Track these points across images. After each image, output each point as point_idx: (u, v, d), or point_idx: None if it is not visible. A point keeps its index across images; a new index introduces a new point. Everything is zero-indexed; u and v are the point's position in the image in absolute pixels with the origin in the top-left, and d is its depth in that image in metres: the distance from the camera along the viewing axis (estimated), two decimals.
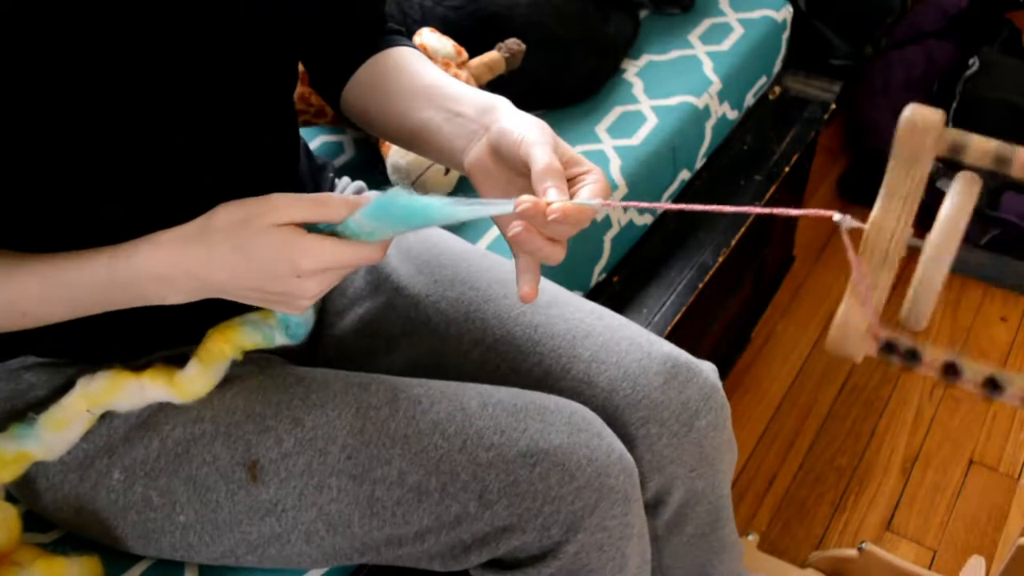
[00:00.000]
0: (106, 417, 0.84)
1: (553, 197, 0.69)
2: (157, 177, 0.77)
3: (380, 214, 0.70)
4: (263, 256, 0.69)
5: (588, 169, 0.74)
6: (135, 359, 0.86)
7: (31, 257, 0.74)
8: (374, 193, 0.73)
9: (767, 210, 0.60)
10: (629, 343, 0.93)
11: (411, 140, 0.87)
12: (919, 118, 0.54)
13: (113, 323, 0.81)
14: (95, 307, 0.75)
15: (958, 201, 0.54)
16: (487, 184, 0.78)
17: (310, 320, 0.82)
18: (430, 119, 0.83)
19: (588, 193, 0.71)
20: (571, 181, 0.73)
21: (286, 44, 0.87)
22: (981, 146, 0.54)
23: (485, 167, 0.78)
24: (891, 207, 0.55)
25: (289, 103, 0.93)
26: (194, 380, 0.82)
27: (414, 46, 0.94)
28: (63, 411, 0.81)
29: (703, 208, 0.68)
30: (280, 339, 0.82)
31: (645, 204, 0.66)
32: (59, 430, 0.82)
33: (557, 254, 0.72)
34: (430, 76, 0.87)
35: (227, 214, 0.70)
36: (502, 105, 0.79)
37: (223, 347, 0.82)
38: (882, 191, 0.56)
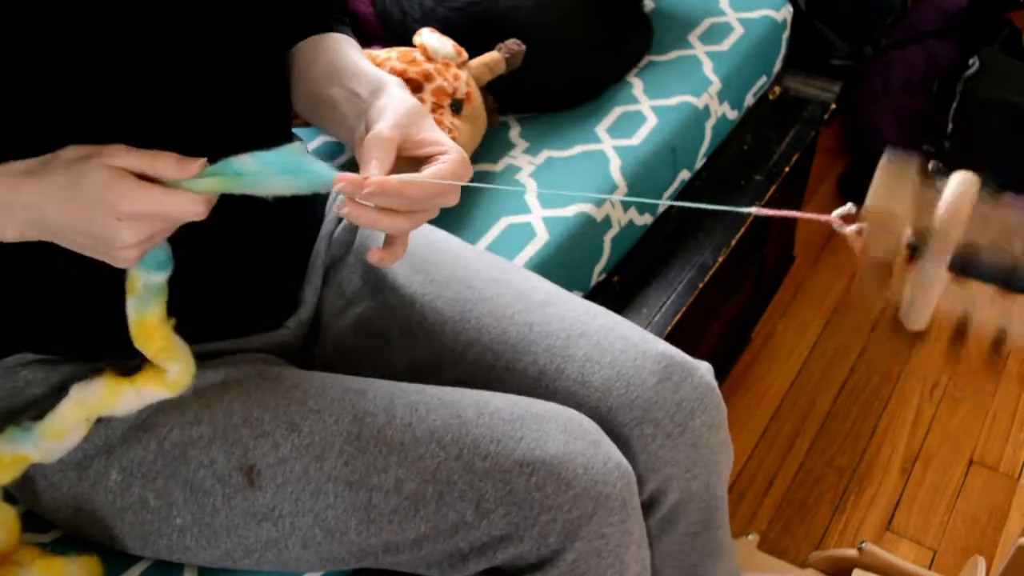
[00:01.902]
0: (104, 419, 0.84)
1: (372, 171, 0.72)
2: None
3: (222, 169, 0.71)
4: (88, 193, 0.69)
5: (445, 151, 0.76)
6: (132, 357, 0.86)
7: None
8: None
9: (760, 210, 0.60)
10: (624, 342, 0.93)
11: (318, 117, 0.90)
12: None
13: (109, 320, 0.81)
14: None
15: (955, 201, 0.54)
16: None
17: (166, 249, 0.79)
18: (333, 97, 0.86)
19: (432, 171, 0.74)
20: (429, 160, 0.76)
21: (283, 43, 0.87)
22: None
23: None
24: (889, 209, 0.55)
25: (283, 102, 0.93)
26: (181, 374, 0.81)
27: (351, 34, 0.96)
28: (61, 420, 0.81)
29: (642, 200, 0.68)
30: (156, 278, 0.79)
31: (484, 185, 0.66)
32: (57, 439, 0.82)
33: (399, 224, 0.74)
34: (343, 57, 0.90)
35: (73, 151, 0.70)
36: (389, 86, 0.82)
37: (158, 333, 0.80)
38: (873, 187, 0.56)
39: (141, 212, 0.69)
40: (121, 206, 0.68)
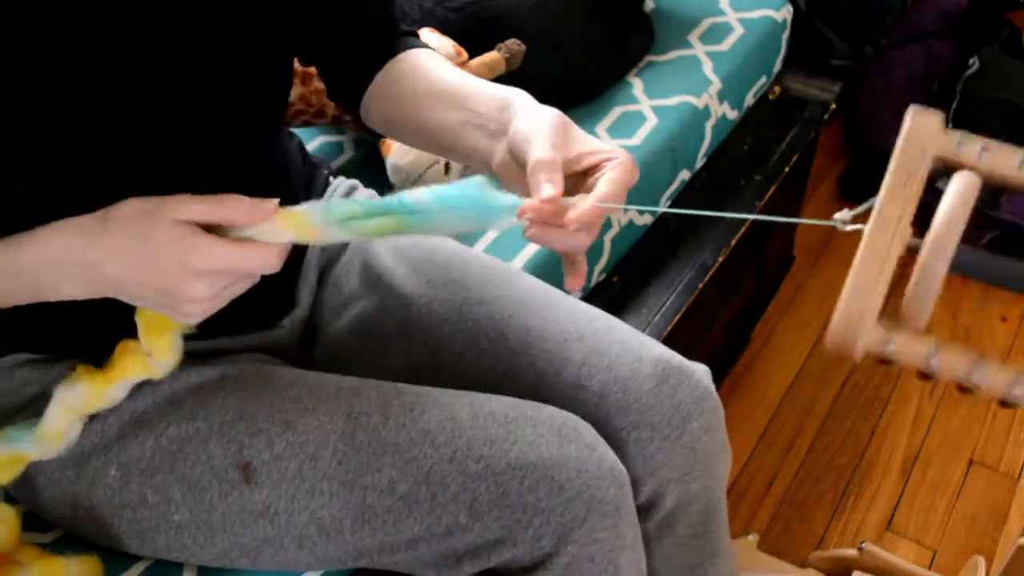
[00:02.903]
0: (99, 414, 0.84)
1: (547, 192, 0.69)
2: (136, 175, 0.76)
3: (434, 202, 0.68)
4: (157, 250, 0.67)
5: (609, 156, 0.73)
6: None
7: None
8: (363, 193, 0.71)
9: (767, 217, 0.60)
10: (620, 346, 0.93)
11: (437, 144, 0.87)
12: (921, 123, 0.55)
13: (105, 320, 0.81)
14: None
15: (956, 201, 0.54)
16: (514, 185, 0.77)
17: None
18: (451, 121, 0.83)
19: (611, 179, 0.71)
20: (592, 170, 0.73)
21: (282, 47, 0.87)
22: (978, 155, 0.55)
23: (509, 168, 0.78)
24: (890, 207, 0.55)
25: (282, 104, 0.93)
26: (169, 355, 0.78)
27: (427, 47, 0.94)
28: (55, 428, 0.80)
29: (701, 213, 0.68)
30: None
31: (648, 208, 0.66)
32: (55, 441, 0.81)
33: (583, 241, 0.72)
34: (448, 76, 0.86)
35: (131, 206, 0.69)
36: (517, 101, 0.79)
37: (168, 327, 0.77)
38: (882, 191, 0.56)
39: (215, 269, 0.68)
40: (196, 264, 0.67)
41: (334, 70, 0.95)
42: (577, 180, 0.74)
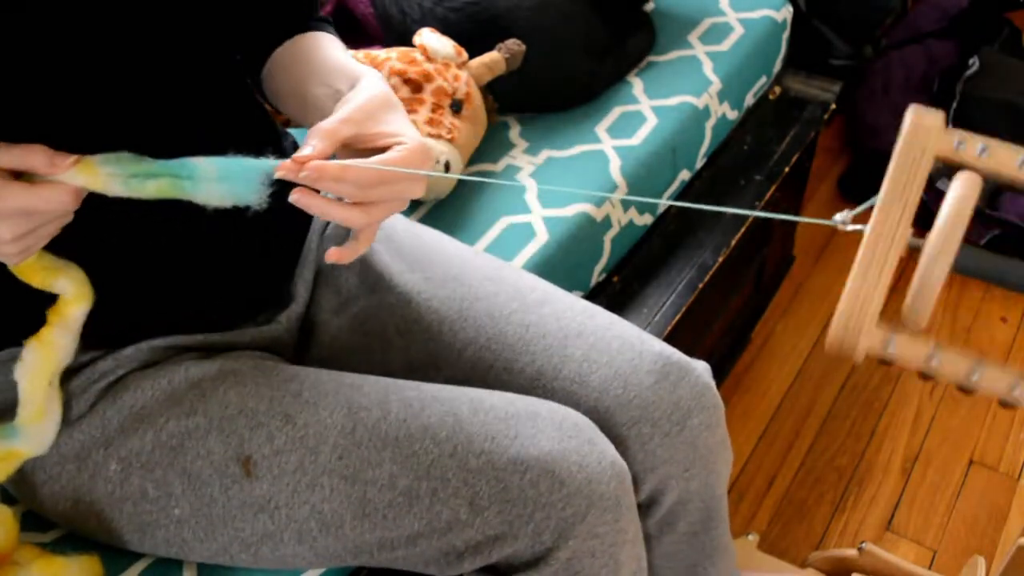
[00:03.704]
0: (98, 408, 0.84)
1: (302, 152, 0.71)
2: None
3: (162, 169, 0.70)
4: None
5: (402, 141, 0.75)
6: (123, 346, 0.86)
7: None
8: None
9: (767, 214, 0.60)
10: (621, 342, 0.93)
11: (307, 118, 0.89)
12: (921, 122, 0.55)
13: (100, 311, 0.81)
14: None
15: (958, 201, 0.54)
16: (345, 157, 0.79)
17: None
18: (319, 96, 0.85)
19: (380, 158, 0.72)
20: (386, 150, 0.74)
21: (240, 44, 0.88)
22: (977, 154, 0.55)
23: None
24: (891, 209, 0.55)
25: (248, 101, 0.94)
26: (77, 285, 0.79)
27: (334, 33, 0.95)
28: (31, 402, 0.81)
29: (696, 206, 0.68)
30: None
31: (646, 199, 0.64)
32: (40, 420, 0.81)
33: (353, 216, 0.73)
34: (327, 54, 0.88)
35: None
36: (362, 79, 0.81)
37: (36, 264, 0.78)
38: (882, 191, 0.56)
39: (7, 209, 0.69)
40: None
41: (246, 42, 0.96)
42: (372, 156, 0.75)
